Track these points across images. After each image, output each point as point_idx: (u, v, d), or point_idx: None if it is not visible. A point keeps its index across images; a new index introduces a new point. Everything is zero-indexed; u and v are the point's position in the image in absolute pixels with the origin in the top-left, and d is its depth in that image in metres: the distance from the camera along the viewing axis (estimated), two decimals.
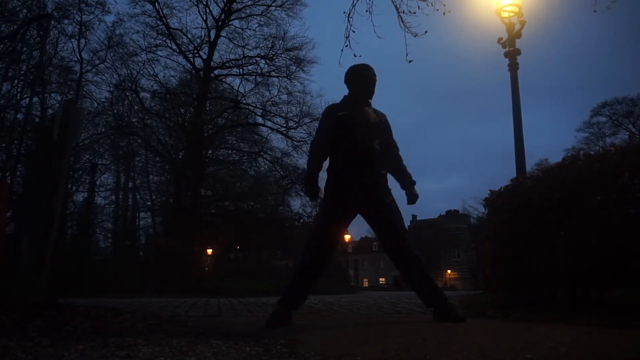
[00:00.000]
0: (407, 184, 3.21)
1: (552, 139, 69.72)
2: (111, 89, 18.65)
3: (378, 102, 3.23)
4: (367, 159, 3.00)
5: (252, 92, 19.77)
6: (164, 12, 17.72)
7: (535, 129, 73.79)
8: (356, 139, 2.99)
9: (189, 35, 18.65)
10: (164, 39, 18.22)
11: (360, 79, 3.13)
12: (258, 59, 19.25)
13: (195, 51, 18.82)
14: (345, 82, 3.18)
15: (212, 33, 18.75)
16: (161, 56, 18.52)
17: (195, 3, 18.18)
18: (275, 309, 2.95)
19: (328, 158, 3.11)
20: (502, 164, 41.15)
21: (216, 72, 19.60)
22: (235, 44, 19.05)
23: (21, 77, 14.92)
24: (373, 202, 3.01)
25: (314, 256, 2.98)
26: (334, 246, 3.12)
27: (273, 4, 18.59)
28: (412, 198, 3.20)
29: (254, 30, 18.97)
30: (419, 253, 3.03)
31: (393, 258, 3.04)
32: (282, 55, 19.09)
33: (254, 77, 19.55)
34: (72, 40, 16.76)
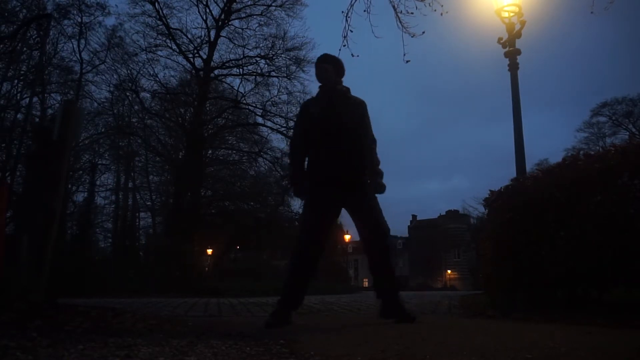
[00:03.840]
0: (373, 175, 3.12)
1: (552, 140, 69.76)
2: (111, 89, 18.69)
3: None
4: (339, 152, 2.99)
5: (252, 92, 19.77)
6: (164, 12, 17.72)
7: (536, 131, 73.76)
8: (326, 133, 3.02)
9: (189, 35, 18.66)
10: (164, 39, 18.23)
11: (315, 71, 3.22)
12: (258, 59, 19.25)
13: (195, 51, 18.82)
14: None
15: (212, 33, 18.76)
16: (161, 56, 18.52)
17: (195, 3, 18.19)
18: (274, 309, 2.96)
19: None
20: (504, 165, 41.32)
21: (216, 72, 19.60)
22: (235, 44, 19.06)
23: (21, 77, 14.92)
24: (350, 195, 3.01)
25: (303, 254, 3.00)
26: (322, 241, 3.10)
27: (273, 4, 18.60)
28: (377, 187, 3.10)
29: (254, 30, 18.99)
30: (389, 243, 3.04)
31: (366, 248, 3.04)
32: (282, 55, 19.09)
33: (254, 77, 19.55)
34: (72, 40, 16.80)
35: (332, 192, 2.99)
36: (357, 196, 3.02)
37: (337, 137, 3.02)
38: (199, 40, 18.76)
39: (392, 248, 3.16)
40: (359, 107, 3.16)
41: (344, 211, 3.13)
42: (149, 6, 17.51)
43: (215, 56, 19.03)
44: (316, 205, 3.05)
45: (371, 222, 3.01)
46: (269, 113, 19.69)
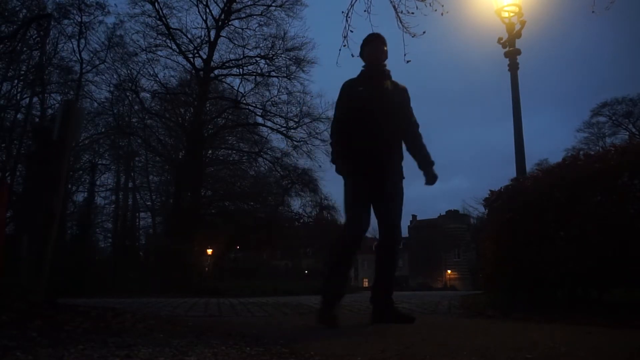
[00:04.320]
0: (425, 164, 3.07)
1: (552, 140, 69.75)
2: (111, 89, 18.69)
3: None
4: (383, 135, 2.90)
5: (252, 92, 19.80)
6: (164, 12, 17.75)
7: (536, 131, 73.70)
8: (372, 115, 2.91)
9: (189, 35, 18.68)
10: (164, 39, 18.25)
11: (367, 49, 3.10)
12: (258, 59, 19.28)
13: (195, 51, 18.84)
14: (360, 55, 3.16)
15: (212, 33, 18.78)
16: (161, 56, 18.54)
17: (195, 3, 18.21)
18: (322, 305, 2.86)
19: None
20: (505, 165, 41.21)
21: (216, 72, 19.61)
22: (235, 44, 19.08)
23: (21, 77, 14.91)
24: (382, 181, 2.92)
25: (352, 236, 2.88)
26: (366, 224, 2.96)
27: (273, 4, 18.62)
28: (430, 178, 3.05)
29: (254, 30, 19.01)
30: (398, 249, 3.00)
31: (377, 244, 3.00)
32: (282, 55, 19.13)
33: (254, 77, 19.57)
34: (72, 40, 16.80)
35: (369, 176, 2.88)
36: (388, 188, 2.92)
37: (384, 119, 2.91)
38: (199, 40, 18.81)
39: (399, 255, 3.03)
40: (404, 91, 3.10)
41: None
42: (148, 6, 17.55)
43: (215, 56, 19.08)
44: (356, 183, 2.91)
45: (389, 220, 2.94)
46: (269, 113, 19.74)
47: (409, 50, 5.81)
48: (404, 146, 3.11)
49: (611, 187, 3.12)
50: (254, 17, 18.91)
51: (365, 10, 5.70)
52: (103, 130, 19.89)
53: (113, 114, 19.14)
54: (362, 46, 3.15)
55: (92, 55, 17.58)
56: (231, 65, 19.45)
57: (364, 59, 3.13)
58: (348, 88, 3.05)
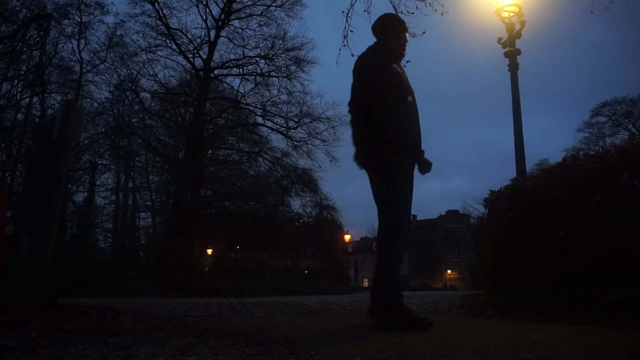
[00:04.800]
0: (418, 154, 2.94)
1: (552, 140, 69.76)
2: (111, 89, 18.69)
3: None
4: (417, 118, 2.82)
5: (252, 92, 19.80)
6: (164, 12, 17.72)
7: (536, 131, 73.69)
8: (412, 97, 2.79)
9: (189, 35, 18.67)
10: (164, 39, 18.24)
11: (402, 34, 2.93)
12: (258, 59, 19.27)
13: (195, 51, 18.83)
14: (382, 32, 2.91)
15: (212, 33, 18.77)
16: (161, 56, 18.53)
17: (195, 3, 18.20)
18: (393, 309, 2.62)
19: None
20: (505, 165, 41.16)
21: (216, 72, 19.60)
22: (235, 44, 19.08)
23: (21, 77, 14.92)
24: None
25: (407, 229, 2.73)
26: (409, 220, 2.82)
27: (273, 4, 18.61)
28: (424, 167, 2.83)
29: (254, 30, 19.01)
30: (387, 237, 2.73)
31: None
32: (282, 55, 19.12)
33: (254, 77, 19.57)
34: (72, 40, 16.79)
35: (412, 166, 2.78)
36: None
37: (415, 103, 2.81)
38: (199, 40, 18.80)
39: (401, 242, 2.72)
40: None
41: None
42: (148, 6, 17.53)
43: (215, 56, 19.07)
44: (405, 180, 2.74)
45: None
46: (269, 113, 19.74)
47: (408, 50, 5.80)
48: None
49: (611, 187, 3.12)
50: (254, 17, 18.93)
51: (365, 10, 5.72)
52: (103, 130, 19.90)
53: (113, 114, 19.15)
54: (395, 25, 2.93)
55: (92, 55, 17.59)
56: (231, 65, 19.46)
57: (394, 42, 2.89)
58: (385, 62, 2.76)
